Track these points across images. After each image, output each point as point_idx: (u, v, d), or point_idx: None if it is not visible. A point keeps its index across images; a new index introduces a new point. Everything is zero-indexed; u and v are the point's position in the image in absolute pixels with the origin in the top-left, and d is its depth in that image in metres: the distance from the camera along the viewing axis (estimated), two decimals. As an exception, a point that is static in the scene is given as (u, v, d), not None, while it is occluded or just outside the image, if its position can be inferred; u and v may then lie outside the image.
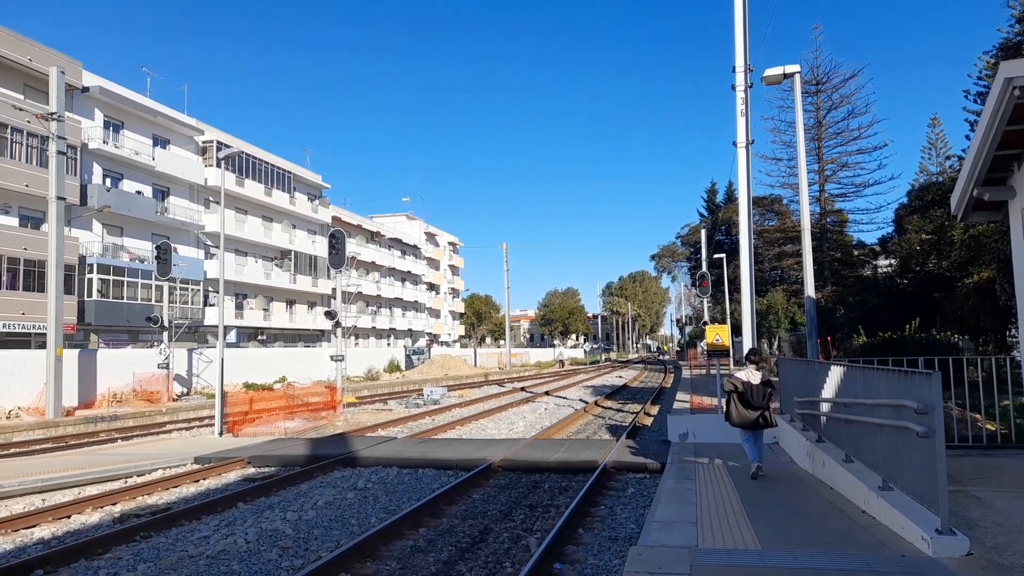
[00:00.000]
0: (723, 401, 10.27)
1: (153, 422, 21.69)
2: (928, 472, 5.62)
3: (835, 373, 8.93)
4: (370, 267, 67.36)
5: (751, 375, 9.32)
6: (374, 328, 67.54)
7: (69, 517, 9.47)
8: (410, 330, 75.88)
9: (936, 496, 5.50)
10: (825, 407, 9.46)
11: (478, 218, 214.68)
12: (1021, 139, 9.17)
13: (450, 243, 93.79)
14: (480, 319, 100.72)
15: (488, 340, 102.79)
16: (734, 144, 13.90)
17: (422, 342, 73.72)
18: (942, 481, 5.39)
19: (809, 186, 16.66)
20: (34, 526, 9.01)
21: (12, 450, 16.25)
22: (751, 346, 11.98)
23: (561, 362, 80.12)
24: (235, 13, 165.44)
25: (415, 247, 79.43)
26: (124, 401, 25.97)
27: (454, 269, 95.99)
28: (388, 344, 67.69)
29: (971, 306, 25.07)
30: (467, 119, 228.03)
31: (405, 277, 76.50)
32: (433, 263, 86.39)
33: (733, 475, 9.53)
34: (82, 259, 34.17)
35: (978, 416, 10.39)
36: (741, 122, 13.75)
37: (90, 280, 34.60)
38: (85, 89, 35.53)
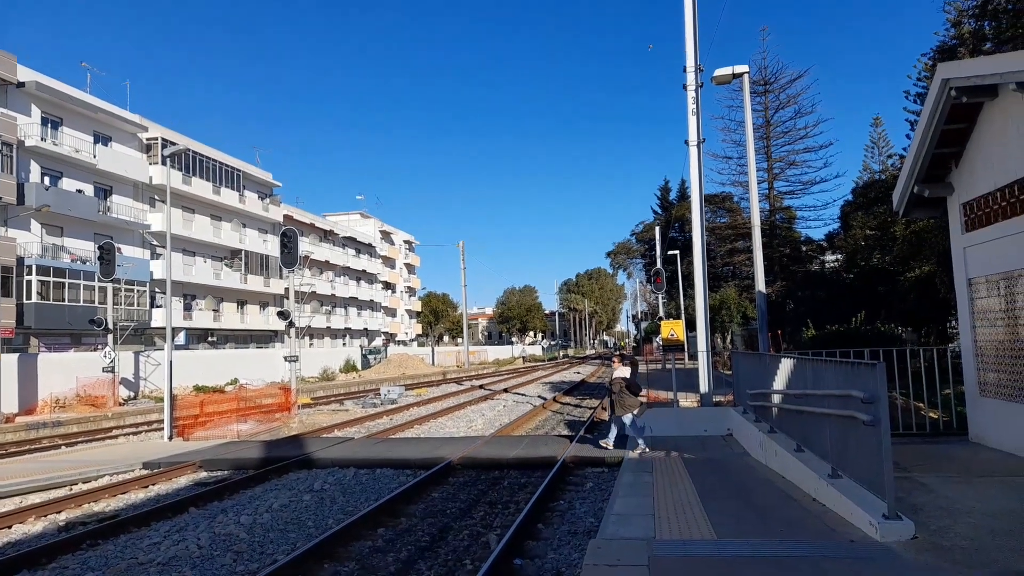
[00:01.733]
0: (612, 397, 12.07)
1: (99, 427, 20.99)
2: (874, 460, 5.81)
3: (785, 365, 9.16)
4: (324, 266, 66.41)
5: (624, 371, 11.95)
6: (329, 328, 66.62)
7: (10, 527, 9.11)
8: (366, 329, 75.07)
9: (882, 483, 5.69)
10: (776, 399, 9.70)
11: (434, 216, 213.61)
12: (958, 138, 9.54)
13: (406, 241, 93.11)
14: (437, 318, 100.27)
15: (446, 338, 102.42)
16: (686, 143, 14.13)
17: (378, 341, 73.02)
18: (888, 468, 5.58)
19: (758, 184, 17.06)
20: (-28, 538, 8.63)
21: (-53, 460, 15.53)
22: (619, 348, 13.79)
23: (524, 358, 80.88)
24: (179, 8, 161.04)
25: (370, 246, 78.60)
26: (68, 407, 25.09)
27: (410, 268, 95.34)
28: (344, 344, 66.83)
29: (913, 299, 26.00)
30: (420, 117, 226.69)
31: (360, 276, 75.65)
32: (389, 262, 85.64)
33: (689, 467, 9.70)
34: (20, 260, 32.83)
35: (921, 405, 10.78)
36: (692, 121, 13.98)
37: (29, 282, 33.27)
38: (20, 84, 34.11)
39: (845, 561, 5.27)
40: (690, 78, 13.92)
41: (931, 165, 9.87)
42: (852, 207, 39.21)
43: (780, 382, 9.40)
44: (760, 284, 15.81)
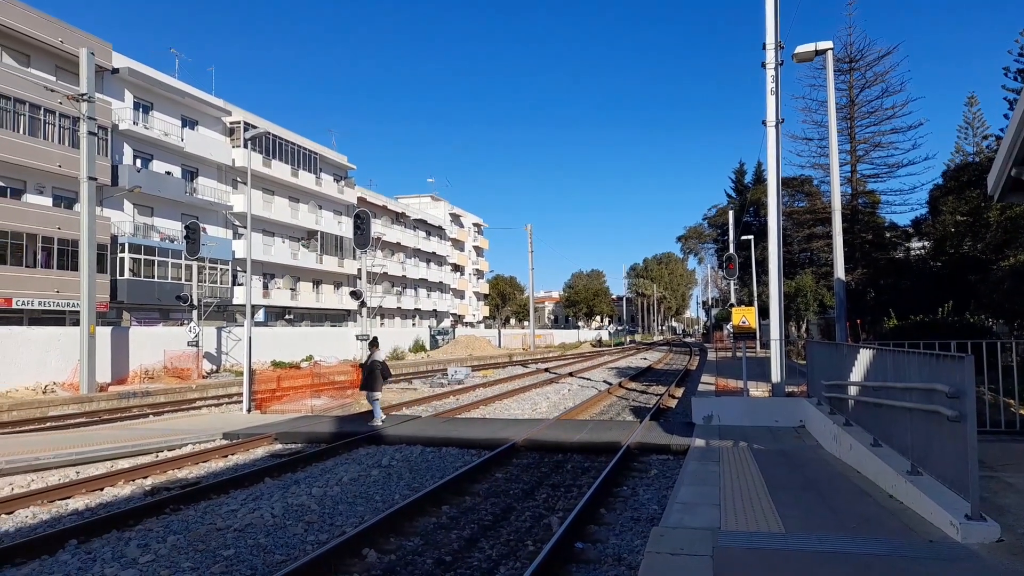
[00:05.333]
0: (368, 376, 14.60)
1: (183, 398, 22.11)
2: (958, 457, 5.51)
3: (864, 356, 8.78)
4: (395, 248, 67.67)
5: (380, 355, 14.72)
6: (399, 308, 67.98)
7: (102, 489, 9.72)
8: (435, 311, 76.24)
9: (966, 481, 5.39)
10: (853, 391, 9.33)
11: (503, 199, 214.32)
12: (1064, 116, 8.85)
13: (475, 224, 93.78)
14: (504, 300, 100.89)
15: (512, 321, 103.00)
16: (763, 123, 13.63)
17: (447, 323, 74.07)
18: (973, 466, 5.28)
19: (840, 166, 16.36)
20: (68, 497, 9.26)
21: (48, 424, 16.71)
22: (369, 336, 16.85)
23: (597, 342, 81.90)
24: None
25: (440, 228, 79.56)
26: (155, 378, 26.51)
27: (479, 250, 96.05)
28: (413, 324, 68.13)
29: (1007, 289, 24.47)
30: (493, 100, 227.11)
31: (430, 258, 76.75)
32: (458, 244, 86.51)
33: (758, 458, 9.46)
34: (114, 238, 34.79)
35: (1011, 401, 10.15)
36: (771, 101, 13.47)
37: (122, 259, 35.24)
38: (115, 70, 35.96)
39: (923, 562, 5.03)
40: (769, 55, 13.39)
41: (1031, 146, 9.20)
42: (942, 191, 37.13)
43: (858, 373, 9.03)
44: (839, 271, 15.19)
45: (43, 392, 22.04)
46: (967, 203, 30.85)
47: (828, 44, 14.94)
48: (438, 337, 54.94)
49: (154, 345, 27.73)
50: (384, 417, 14.79)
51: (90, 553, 6.94)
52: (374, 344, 15.09)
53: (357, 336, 23.08)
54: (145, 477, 10.46)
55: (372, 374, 14.51)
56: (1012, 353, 9.99)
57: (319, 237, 54.30)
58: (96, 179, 23.94)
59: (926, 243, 40.75)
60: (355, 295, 22.50)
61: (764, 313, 33.47)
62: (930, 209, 40.58)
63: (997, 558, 5.00)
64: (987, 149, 39.63)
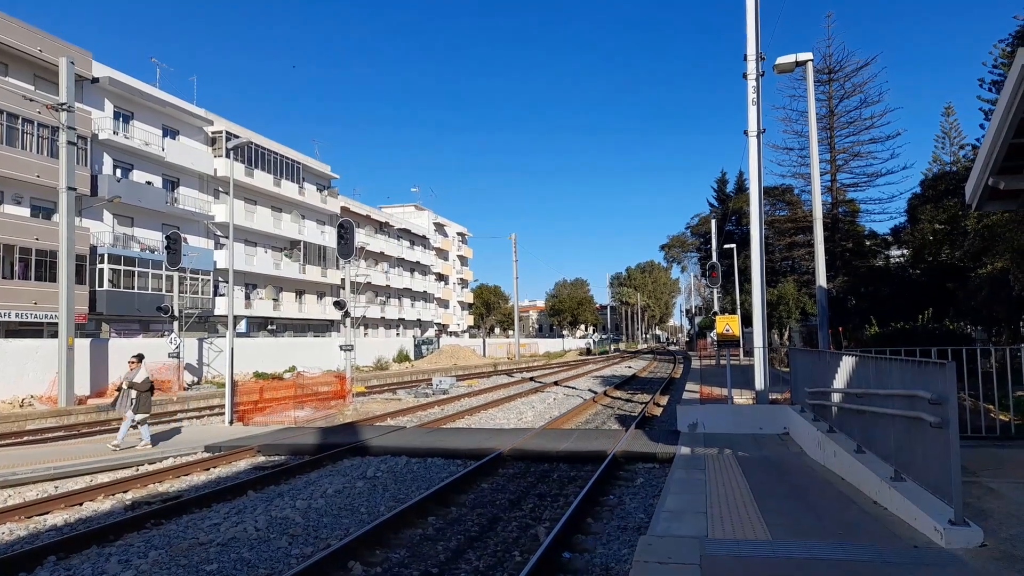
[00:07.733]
0: (129, 396, 13.31)
1: (164, 411, 21.79)
2: (941, 463, 5.57)
3: (846, 363, 8.87)
4: (379, 257, 67.43)
5: (145, 373, 13.39)
6: (383, 318, 67.67)
7: (81, 504, 9.55)
8: (419, 320, 75.97)
9: (949, 487, 5.45)
10: (836, 397, 9.41)
11: (487, 208, 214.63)
12: (1038, 126, 9.01)
13: (459, 233, 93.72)
14: (489, 309, 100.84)
15: (497, 330, 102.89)
16: (745, 133, 13.77)
17: (431, 332, 73.85)
18: (956, 471, 5.34)
19: (821, 176, 16.50)
20: (47, 513, 9.09)
21: (25, 438, 16.40)
22: (139, 354, 14.15)
23: (584, 349, 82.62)
24: (243, 3, 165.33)
25: (424, 237, 79.42)
26: (136, 390, 26.10)
27: (463, 259, 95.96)
28: (397, 334, 67.82)
29: (984, 296, 24.87)
30: (476, 109, 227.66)
31: (414, 267, 76.55)
32: (442, 253, 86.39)
33: (743, 465, 9.50)
34: (93, 249, 34.35)
35: (991, 407, 10.30)
36: (752, 111, 13.61)
37: (101, 270, 34.79)
38: (95, 80, 35.63)
39: (908, 567, 5.07)
40: (751, 67, 13.54)
41: (1008, 155, 9.35)
42: (920, 200, 37.71)
43: (841, 380, 9.11)
44: (821, 279, 15.34)
45: (20, 405, 21.65)
46: (945, 212, 31.34)
47: (808, 56, 15.15)
48: (422, 347, 54.72)
49: (134, 357, 27.32)
50: (151, 442, 13.51)
51: (69, 570, 6.82)
52: (141, 359, 13.61)
53: (341, 347, 22.93)
54: (125, 491, 10.29)
55: (144, 395, 13.24)
56: (991, 359, 10.13)
57: (302, 247, 53.99)
58: (75, 189, 23.66)
59: (905, 251, 41.33)
60: (339, 305, 22.38)
61: (747, 321, 33.66)
62: (909, 218, 41.16)
63: (981, 562, 5.05)
64: (964, 158, 40.31)
